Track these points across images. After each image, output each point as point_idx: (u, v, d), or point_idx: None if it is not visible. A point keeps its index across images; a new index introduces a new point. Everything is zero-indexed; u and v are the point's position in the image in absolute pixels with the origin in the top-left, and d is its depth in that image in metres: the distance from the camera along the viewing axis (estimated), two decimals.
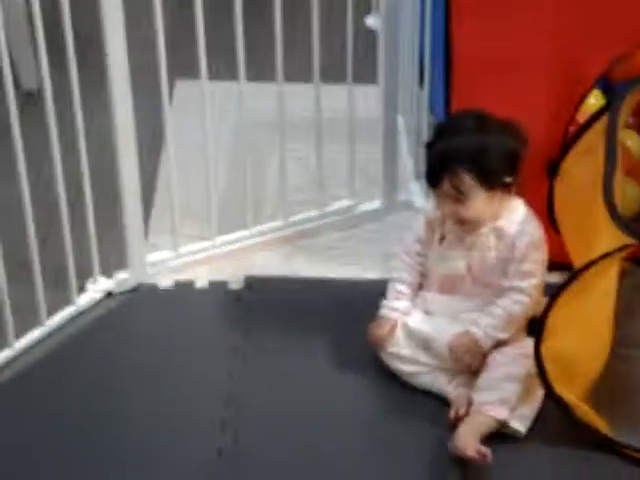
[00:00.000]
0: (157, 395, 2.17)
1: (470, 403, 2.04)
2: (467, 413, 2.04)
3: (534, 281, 2.08)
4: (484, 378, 2.06)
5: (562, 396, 2.01)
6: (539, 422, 2.07)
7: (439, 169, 2.04)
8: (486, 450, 1.96)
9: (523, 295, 2.08)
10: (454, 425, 2.03)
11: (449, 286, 2.13)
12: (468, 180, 2.03)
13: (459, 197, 2.04)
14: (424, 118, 2.49)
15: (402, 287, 2.17)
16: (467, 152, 2.02)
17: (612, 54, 2.18)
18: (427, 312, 2.15)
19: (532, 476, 2.01)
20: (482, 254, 2.09)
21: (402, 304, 2.16)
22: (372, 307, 2.22)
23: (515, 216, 2.09)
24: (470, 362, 2.07)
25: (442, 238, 2.13)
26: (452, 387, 2.09)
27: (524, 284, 2.06)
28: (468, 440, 1.98)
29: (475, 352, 2.07)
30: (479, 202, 2.04)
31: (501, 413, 2.02)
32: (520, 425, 2.03)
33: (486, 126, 2.06)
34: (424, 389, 2.13)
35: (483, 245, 2.09)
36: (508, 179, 2.06)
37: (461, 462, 1.99)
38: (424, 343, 2.12)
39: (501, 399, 2.02)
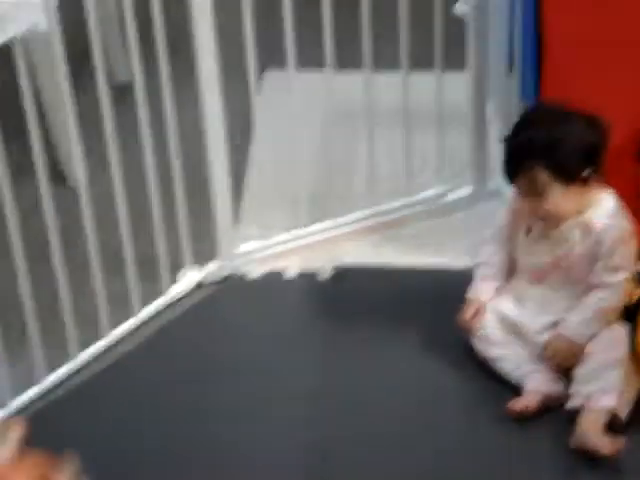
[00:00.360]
0: (244, 387, 2.17)
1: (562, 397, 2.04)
2: (534, 408, 2.03)
3: (623, 276, 2.04)
4: (584, 370, 2.04)
5: None
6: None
7: (514, 165, 2.01)
8: (620, 442, 1.95)
9: (612, 291, 2.05)
10: (518, 414, 2.02)
11: (537, 277, 2.11)
12: (542, 175, 1.99)
13: (536, 192, 2.01)
14: (514, 104, 2.46)
15: (487, 270, 2.16)
16: (539, 147, 1.99)
17: None
18: (518, 299, 2.13)
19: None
20: (568, 249, 2.06)
21: (487, 286, 2.15)
22: (462, 296, 2.20)
23: (602, 210, 2.05)
24: (569, 363, 2.05)
25: (529, 230, 2.10)
26: (531, 379, 2.07)
27: (613, 280, 2.03)
28: (598, 439, 1.97)
29: (571, 352, 2.05)
30: (557, 197, 2.01)
31: (609, 401, 2.00)
32: (625, 409, 2.01)
33: (562, 119, 2.01)
34: (507, 377, 2.11)
35: (568, 240, 2.06)
36: (586, 173, 2.01)
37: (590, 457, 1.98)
38: (514, 328, 2.11)
39: (605, 388, 2.00)
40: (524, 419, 2.05)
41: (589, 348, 2.04)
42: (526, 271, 2.12)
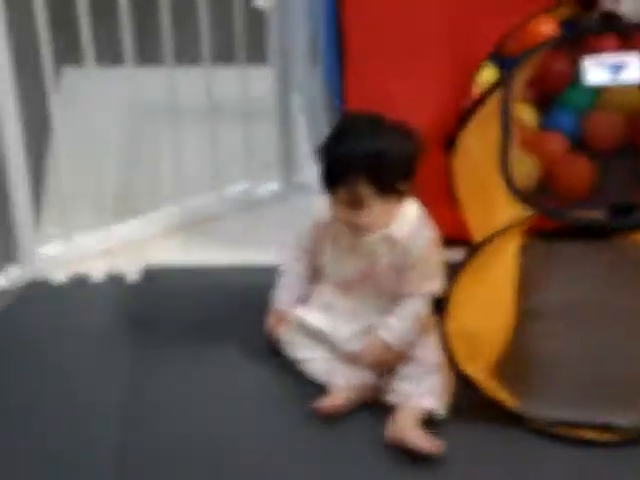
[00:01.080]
0: (53, 396, 2.10)
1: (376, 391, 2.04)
2: (341, 406, 2.03)
3: (437, 284, 2.06)
4: (406, 372, 2.05)
5: (468, 373, 2.00)
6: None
7: (334, 176, 1.99)
8: (439, 442, 1.97)
9: (427, 299, 2.06)
10: (326, 413, 2.02)
11: (344, 287, 2.11)
12: (364, 189, 1.98)
13: (355, 204, 2.00)
14: (319, 96, 2.46)
15: (289, 279, 2.16)
16: (363, 161, 1.96)
17: (503, 25, 2.17)
18: (325, 307, 2.13)
19: (452, 454, 2.00)
20: (374, 261, 2.07)
21: (288, 295, 2.15)
22: (269, 293, 2.18)
23: (405, 221, 2.05)
24: (385, 367, 2.06)
25: (335, 240, 2.09)
26: (337, 378, 2.07)
27: (427, 288, 2.04)
28: (414, 432, 1.97)
29: (389, 357, 2.06)
30: (375, 209, 2.01)
31: (429, 403, 2.02)
32: (443, 410, 2.04)
33: (381, 130, 2.00)
34: (313, 377, 2.10)
35: (374, 253, 2.06)
36: (404, 185, 2.02)
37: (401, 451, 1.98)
38: (320, 335, 2.11)
39: (427, 390, 2.02)
40: (333, 417, 2.04)
41: (414, 352, 2.05)
42: (333, 281, 2.12)
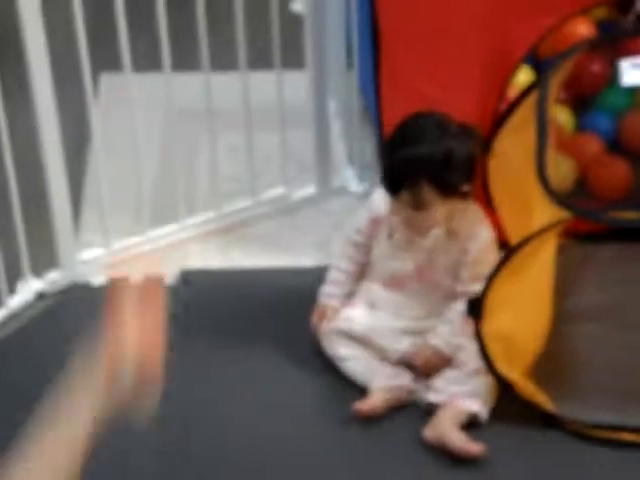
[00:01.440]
0: None
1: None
2: (381, 408, 2.03)
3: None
4: (452, 374, 2.05)
5: (505, 374, 2.00)
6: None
7: (399, 178, 1.99)
8: (481, 446, 1.96)
9: None
10: (365, 415, 2.01)
11: (395, 283, 2.11)
12: (428, 192, 1.98)
13: (418, 205, 2.00)
14: (354, 101, 2.47)
15: (338, 275, 2.16)
16: (428, 164, 1.96)
17: (539, 28, 2.17)
18: (371, 304, 2.13)
19: (490, 456, 1.99)
20: (432, 257, 2.07)
21: (337, 291, 2.15)
22: (310, 294, 2.19)
23: (467, 219, 2.06)
24: (437, 371, 2.06)
25: (391, 235, 2.09)
26: (376, 378, 2.07)
27: (478, 287, 2.02)
28: (456, 434, 1.98)
29: (440, 362, 2.06)
30: (435, 212, 2.00)
31: (473, 406, 2.02)
32: (486, 414, 2.03)
33: (445, 131, 1.99)
34: (353, 377, 2.10)
35: (434, 248, 2.06)
36: (467, 187, 2.02)
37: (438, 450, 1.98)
38: (364, 333, 2.10)
39: (471, 392, 2.02)
40: (373, 418, 2.04)
41: (460, 356, 2.05)
42: (384, 276, 2.11)
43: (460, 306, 2.04)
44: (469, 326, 2.01)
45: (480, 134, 2.06)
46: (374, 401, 2.04)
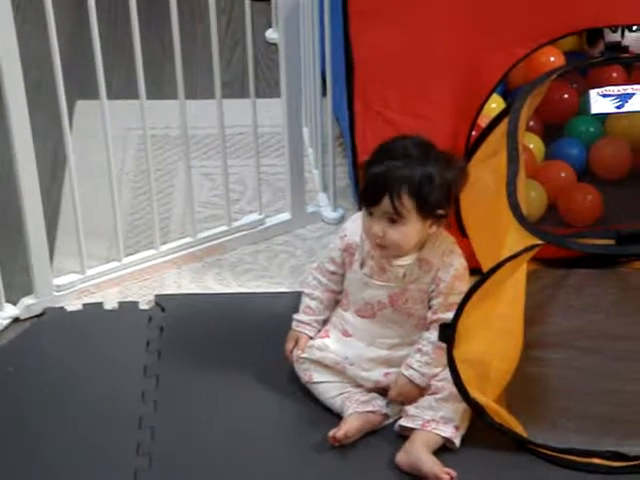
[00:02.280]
0: (70, 420, 2.13)
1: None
2: (354, 434, 2.05)
3: None
4: (426, 400, 2.06)
5: (476, 399, 2.02)
6: None
7: (382, 187, 2.00)
8: (453, 472, 1.98)
9: None
10: (339, 441, 2.04)
11: (369, 312, 2.12)
12: (408, 203, 2.00)
13: (394, 218, 2.01)
14: (329, 128, 2.49)
15: (311, 303, 2.17)
16: (413, 177, 1.99)
17: (509, 57, 2.20)
18: (344, 332, 2.14)
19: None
20: (404, 285, 2.08)
21: (310, 318, 2.16)
22: (284, 320, 2.21)
23: (439, 247, 2.07)
24: (413, 400, 2.07)
25: (363, 264, 2.11)
26: (350, 404, 2.08)
27: (450, 316, 2.04)
28: (429, 458, 1.99)
29: (413, 394, 2.07)
30: (410, 227, 2.02)
31: (446, 431, 2.03)
32: (459, 440, 2.05)
33: (429, 155, 2.02)
34: (327, 403, 2.12)
35: (405, 277, 2.08)
36: (442, 211, 2.05)
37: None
38: (337, 361, 2.11)
39: (445, 418, 2.03)
40: (346, 444, 2.06)
41: (434, 382, 2.06)
42: (357, 305, 2.12)
43: (433, 336, 2.06)
44: (442, 356, 2.03)
45: (461, 163, 2.08)
46: (348, 427, 2.05)
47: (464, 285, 2.07)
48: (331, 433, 2.05)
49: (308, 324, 2.16)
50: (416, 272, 2.07)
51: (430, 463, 2.00)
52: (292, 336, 2.16)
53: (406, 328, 2.10)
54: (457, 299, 2.03)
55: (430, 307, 2.08)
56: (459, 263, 2.08)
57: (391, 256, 2.06)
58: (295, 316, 2.18)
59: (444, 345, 2.02)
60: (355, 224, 2.12)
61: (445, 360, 2.02)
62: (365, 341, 2.12)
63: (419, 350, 2.08)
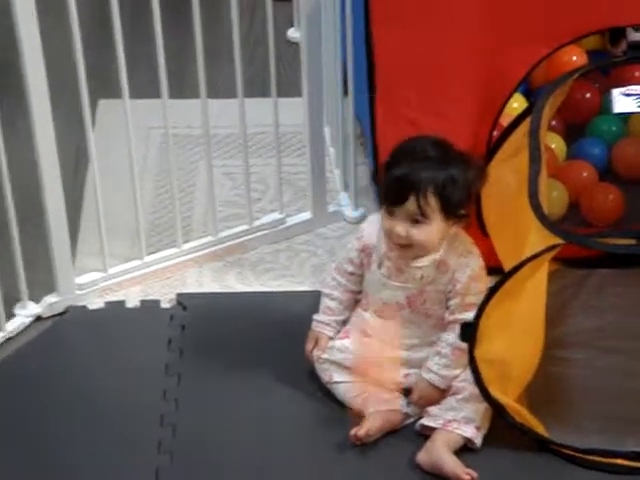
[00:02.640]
0: (93, 417, 2.14)
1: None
2: (375, 432, 2.05)
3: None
4: (448, 401, 2.06)
5: (498, 399, 2.02)
6: None
7: (407, 187, 2.00)
8: (474, 474, 1.99)
9: None
10: (360, 440, 2.04)
11: (387, 312, 2.12)
12: (433, 203, 2.00)
13: (418, 218, 2.01)
14: (350, 128, 2.50)
15: (331, 303, 2.17)
16: (437, 177, 2.00)
17: (531, 56, 2.20)
18: (364, 332, 2.14)
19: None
20: (422, 286, 2.08)
21: (329, 319, 2.16)
22: (305, 319, 2.21)
23: (456, 248, 2.07)
24: (434, 402, 2.07)
25: (380, 264, 2.11)
26: (370, 403, 2.08)
27: (468, 316, 2.04)
28: (451, 458, 2.00)
29: (434, 396, 2.07)
30: (434, 227, 2.02)
31: (468, 432, 2.03)
32: (480, 440, 2.05)
33: (449, 156, 2.03)
34: (347, 402, 2.12)
35: (423, 278, 2.07)
36: (464, 211, 2.05)
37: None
38: (356, 361, 2.12)
39: (466, 418, 2.03)
40: (366, 443, 2.06)
41: (455, 383, 2.06)
42: (376, 305, 2.12)
43: (451, 337, 2.06)
44: (461, 357, 2.03)
45: (480, 163, 2.08)
46: (369, 426, 2.05)
47: (481, 285, 2.06)
48: (352, 432, 2.05)
49: (328, 324, 2.16)
50: (433, 273, 2.07)
51: (452, 463, 2.00)
52: (312, 336, 2.17)
53: (424, 329, 2.10)
54: (474, 299, 2.03)
55: (448, 308, 2.08)
56: (476, 263, 2.07)
57: (412, 257, 2.06)
58: (315, 316, 2.18)
59: (463, 346, 2.02)
60: (372, 225, 2.12)
61: (464, 361, 2.03)
62: (385, 341, 2.12)
63: (438, 353, 2.07)
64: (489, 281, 2.08)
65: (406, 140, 2.07)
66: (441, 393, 2.07)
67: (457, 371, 2.06)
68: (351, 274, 2.15)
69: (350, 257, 2.14)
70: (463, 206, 2.04)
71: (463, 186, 2.02)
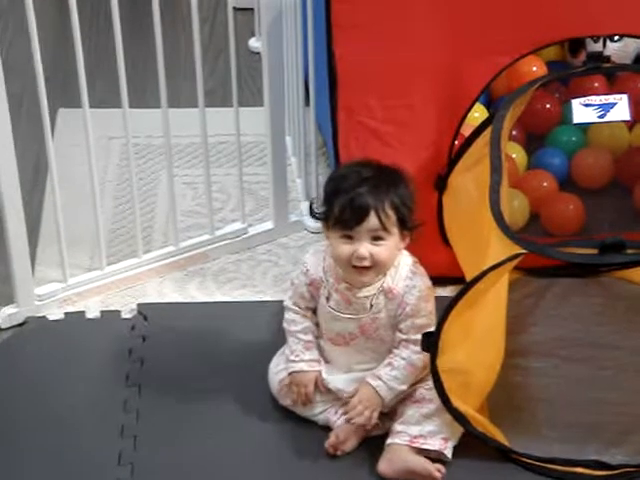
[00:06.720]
0: (52, 429, 2.12)
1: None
2: (344, 440, 2.06)
3: (429, 330, 2.05)
4: (412, 412, 2.05)
5: (459, 408, 2.02)
6: None
7: (364, 205, 1.98)
8: (443, 468, 2.00)
9: (419, 345, 2.05)
10: (333, 449, 2.05)
11: (341, 341, 2.11)
12: (392, 216, 1.99)
13: (378, 235, 2.00)
14: (312, 137, 2.50)
15: (308, 337, 2.12)
16: (389, 191, 1.99)
17: (492, 67, 2.21)
18: (323, 359, 2.13)
19: None
20: (372, 315, 2.07)
21: (315, 353, 2.12)
22: (267, 329, 2.21)
23: (400, 272, 2.06)
24: (370, 415, 2.05)
25: (328, 298, 2.09)
26: (337, 417, 2.09)
27: (418, 337, 2.03)
28: (417, 457, 2.00)
29: (376, 404, 2.06)
30: (392, 242, 2.01)
31: (435, 444, 2.03)
32: (450, 452, 2.04)
33: (384, 174, 2.02)
34: (310, 418, 2.12)
35: (373, 307, 2.07)
36: (412, 223, 2.04)
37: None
38: (320, 388, 2.12)
39: (432, 432, 2.03)
40: (337, 455, 2.06)
41: (416, 394, 2.06)
42: (330, 335, 2.11)
43: (404, 353, 2.05)
44: (412, 375, 2.04)
45: (409, 175, 2.07)
46: (337, 432, 2.06)
47: (430, 305, 2.07)
48: (327, 444, 2.05)
49: (317, 360, 2.11)
50: (382, 301, 2.06)
51: (419, 462, 2.00)
52: (307, 378, 2.10)
53: (380, 352, 2.10)
54: (425, 320, 2.04)
55: (399, 330, 2.07)
56: (422, 283, 2.07)
57: (369, 280, 2.04)
58: (299, 357, 2.10)
59: (417, 364, 2.03)
60: (316, 257, 2.10)
61: (412, 379, 2.04)
62: (342, 367, 2.11)
63: (390, 364, 2.06)
64: (450, 291, 2.08)
65: (334, 172, 2.08)
66: (379, 405, 2.06)
67: (404, 387, 2.05)
68: (307, 309, 2.13)
69: (300, 292, 2.11)
70: (412, 219, 2.04)
71: (409, 198, 2.02)
